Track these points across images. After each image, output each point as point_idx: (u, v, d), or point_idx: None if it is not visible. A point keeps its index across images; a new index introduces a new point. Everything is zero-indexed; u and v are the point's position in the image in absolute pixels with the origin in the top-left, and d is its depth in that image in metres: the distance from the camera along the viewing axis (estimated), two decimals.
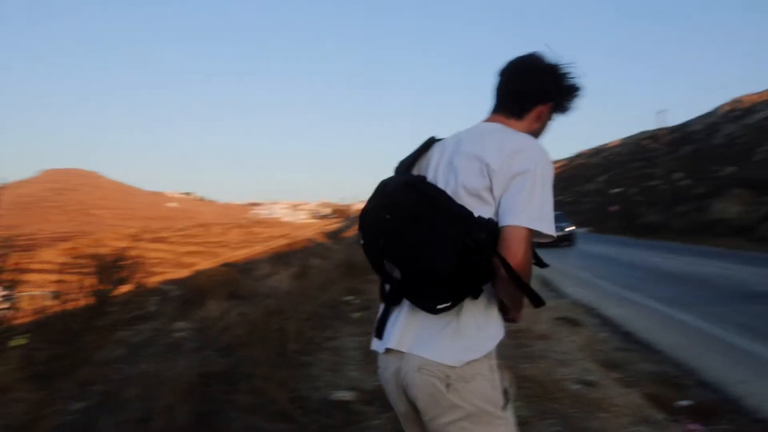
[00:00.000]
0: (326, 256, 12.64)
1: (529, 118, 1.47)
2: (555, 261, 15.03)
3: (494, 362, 1.34)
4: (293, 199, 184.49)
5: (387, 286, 1.42)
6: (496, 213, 1.31)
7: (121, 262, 4.51)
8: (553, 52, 1.47)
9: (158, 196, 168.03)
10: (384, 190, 1.36)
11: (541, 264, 1.44)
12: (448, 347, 1.28)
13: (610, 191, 60.77)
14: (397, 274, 1.30)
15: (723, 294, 9.36)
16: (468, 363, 1.27)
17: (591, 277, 12.31)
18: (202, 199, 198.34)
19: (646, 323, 7.12)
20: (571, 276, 12.52)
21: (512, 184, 1.30)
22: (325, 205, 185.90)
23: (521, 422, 3.16)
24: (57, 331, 3.89)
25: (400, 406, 1.42)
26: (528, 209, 1.27)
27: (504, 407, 1.34)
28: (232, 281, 9.99)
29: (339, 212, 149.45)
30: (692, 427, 3.73)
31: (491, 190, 1.31)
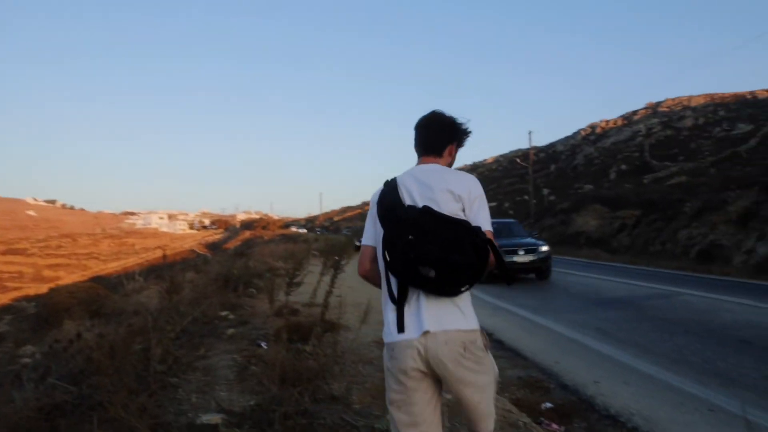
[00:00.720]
0: (202, 269, 12.01)
1: (445, 154, 2.17)
2: None
3: (481, 332, 2.00)
4: (171, 209, 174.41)
5: (395, 290, 1.93)
6: None
7: None
8: (448, 107, 2.01)
9: (15, 203, 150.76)
10: (400, 218, 1.91)
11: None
12: (460, 322, 1.91)
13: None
14: (432, 274, 1.81)
15: (583, 301, 10.21)
16: (473, 331, 1.94)
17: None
18: (68, 208, 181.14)
19: (516, 331, 7.54)
20: None
21: (474, 204, 2.00)
22: (205, 215, 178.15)
23: None
24: None
25: (415, 381, 1.91)
26: (487, 220, 2.01)
27: (487, 351, 2.02)
28: (96, 298, 9.13)
29: (220, 223, 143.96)
30: (552, 428, 3.97)
31: (463, 210, 1.97)
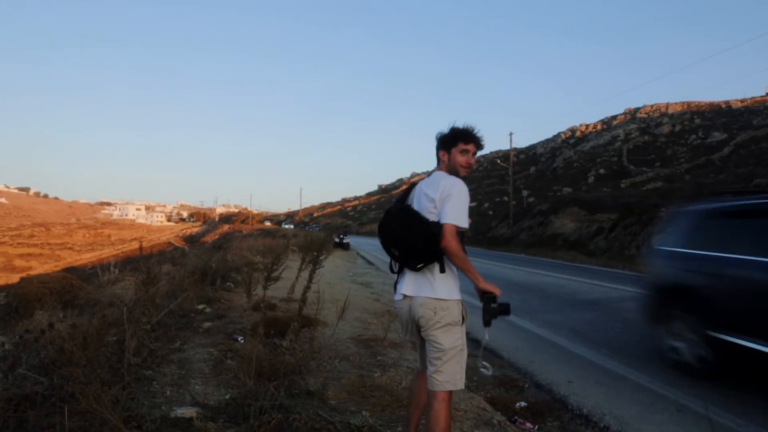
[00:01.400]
0: (179, 261, 11.87)
1: (441, 161, 2.79)
2: None
3: (458, 304, 2.66)
4: (149, 200, 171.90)
5: (396, 264, 2.75)
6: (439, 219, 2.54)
7: None
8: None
9: None
10: (390, 212, 2.76)
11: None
12: (428, 291, 2.59)
13: None
14: (397, 253, 2.63)
15: (558, 302, 10.34)
16: (444, 300, 2.59)
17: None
18: (42, 196, 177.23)
19: (492, 331, 7.59)
20: None
21: (443, 202, 2.55)
22: (184, 207, 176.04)
23: None
24: None
25: (408, 325, 2.74)
26: (450, 213, 2.52)
27: (461, 324, 2.67)
28: (69, 288, 8.95)
29: (198, 216, 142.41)
30: (526, 426, 4.03)
31: (438, 206, 2.56)
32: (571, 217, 34.05)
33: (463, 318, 2.66)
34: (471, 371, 5.63)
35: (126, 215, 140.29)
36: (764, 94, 73.33)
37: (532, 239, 35.23)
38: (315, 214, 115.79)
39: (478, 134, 2.75)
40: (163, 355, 4.54)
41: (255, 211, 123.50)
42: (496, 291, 2.67)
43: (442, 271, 2.59)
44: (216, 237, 58.04)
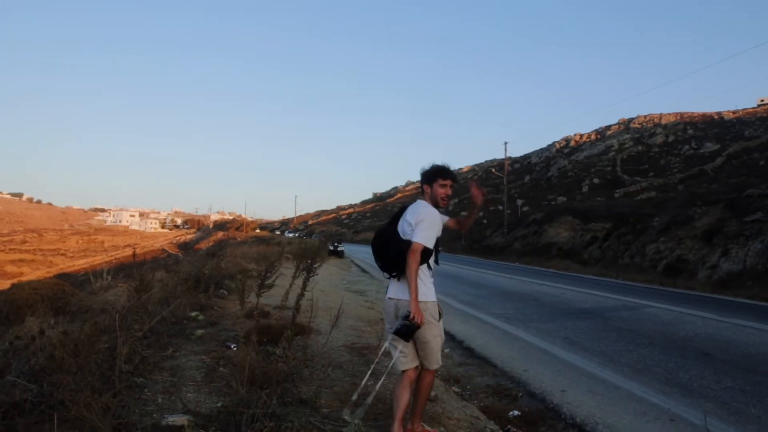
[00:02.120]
0: (173, 268, 11.82)
1: (425, 193, 3.39)
2: None
3: (434, 304, 3.24)
4: (143, 207, 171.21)
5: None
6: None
7: None
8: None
9: None
10: (378, 231, 3.41)
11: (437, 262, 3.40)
12: (405, 295, 3.12)
13: (461, 213, 64.81)
14: (379, 264, 3.30)
15: (552, 311, 10.35)
16: (423, 303, 3.12)
17: (438, 294, 12.91)
18: (35, 202, 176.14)
19: (486, 339, 7.61)
20: None
21: (416, 226, 3.17)
22: (178, 214, 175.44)
23: None
24: None
25: (394, 322, 3.19)
26: (419, 234, 3.14)
27: (438, 320, 3.25)
28: (61, 295, 8.87)
29: (192, 223, 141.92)
30: None
31: (413, 229, 3.17)
32: (566, 226, 34.12)
33: (440, 315, 3.28)
34: (465, 379, 5.62)
35: (120, 222, 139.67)
36: (756, 105, 74.04)
37: (527, 248, 35.27)
38: (310, 222, 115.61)
39: (453, 171, 3.47)
40: (155, 362, 4.51)
41: (249, 219, 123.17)
42: (419, 317, 3.05)
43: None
44: (210, 244, 57.80)
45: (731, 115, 69.23)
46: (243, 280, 8.03)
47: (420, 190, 3.46)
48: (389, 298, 3.29)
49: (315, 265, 6.05)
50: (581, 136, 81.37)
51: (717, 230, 21.02)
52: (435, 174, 3.35)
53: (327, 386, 4.29)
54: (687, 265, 21.04)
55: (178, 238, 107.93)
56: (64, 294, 9.21)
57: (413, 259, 3.06)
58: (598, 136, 77.19)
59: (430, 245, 3.16)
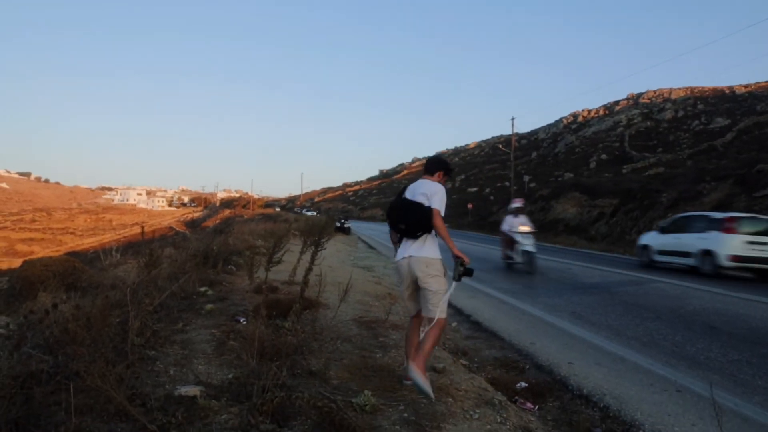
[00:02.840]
0: (181, 245, 11.90)
1: (436, 175, 4.08)
2: None
3: (441, 261, 3.89)
4: (149, 185, 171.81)
5: (398, 235, 4.00)
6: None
7: None
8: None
9: None
10: (396, 203, 4.00)
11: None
12: (425, 252, 3.81)
13: (468, 190, 64.72)
14: (403, 226, 3.88)
15: (560, 286, 10.38)
16: (432, 258, 3.83)
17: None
18: (43, 181, 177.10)
19: (493, 313, 7.65)
20: None
21: (432, 197, 3.82)
22: (185, 192, 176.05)
23: (371, 411, 3.19)
24: None
25: (407, 280, 3.88)
26: (438, 203, 3.81)
27: (444, 274, 3.88)
28: (72, 271, 8.97)
29: (199, 201, 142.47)
30: (527, 406, 4.06)
31: (428, 199, 3.81)
32: (573, 202, 34.01)
33: (444, 270, 3.90)
34: (472, 352, 5.67)
35: (127, 200, 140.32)
36: None
37: (534, 224, 35.23)
38: (316, 199, 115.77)
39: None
40: (166, 335, 4.57)
41: (256, 196, 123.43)
42: (465, 259, 3.90)
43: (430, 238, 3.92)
44: (217, 222, 58.13)
45: (743, 90, 68.13)
46: (251, 256, 8.09)
47: (427, 170, 4.15)
48: (402, 258, 3.88)
49: (323, 240, 6.07)
50: (589, 111, 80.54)
51: (726, 206, 20.89)
52: (450, 170, 4.24)
53: (336, 359, 4.34)
54: None
55: (185, 216, 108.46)
56: (75, 270, 9.32)
57: (440, 220, 3.78)
58: (607, 112, 76.39)
59: (443, 212, 3.85)
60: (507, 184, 51.11)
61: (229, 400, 3.19)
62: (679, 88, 75.25)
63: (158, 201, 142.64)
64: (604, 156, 53.21)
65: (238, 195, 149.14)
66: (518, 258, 12.91)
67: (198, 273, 7.36)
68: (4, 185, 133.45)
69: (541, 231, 31.82)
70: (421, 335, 3.81)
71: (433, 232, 3.86)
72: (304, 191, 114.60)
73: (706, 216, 13.87)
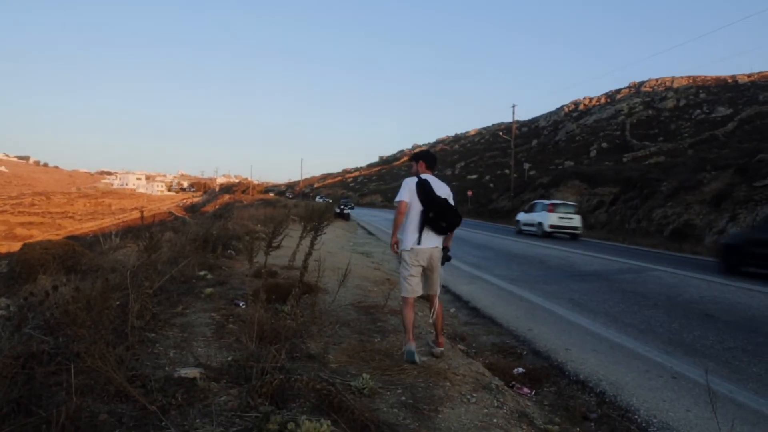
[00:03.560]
0: (180, 230, 11.91)
1: (420, 168, 4.50)
2: None
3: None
4: (149, 170, 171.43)
5: (420, 227, 4.25)
6: None
7: None
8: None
9: None
10: (443, 203, 4.28)
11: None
12: (440, 243, 4.35)
13: (468, 177, 64.62)
14: (444, 225, 4.27)
15: (558, 273, 10.41)
16: (441, 248, 4.37)
17: None
18: (41, 165, 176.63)
19: (492, 299, 7.68)
20: None
21: (451, 198, 4.41)
22: (184, 177, 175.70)
23: (369, 394, 3.22)
24: None
25: (423, 265, 4.28)
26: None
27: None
28: (71, 254, 8.98)
29: (199, 186, 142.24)
30: (523, 391, 4.10)
31: (451, 201, 4.39)
32: (573, 190, 33.99)
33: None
34: (471, 338, 5.70)
35: (126, 185, 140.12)
36: None
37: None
38: (316, 185, 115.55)
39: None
40: (165, 318, 4.60)
41: (255, 182, 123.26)
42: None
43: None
44: (216, 207, 58.06)
45: (746, 79, 67.75)
46: (251, 240, 8.10)
47: (431, 165, 4.55)
48: (428, 246, 4.27)
49: (322, 225, 6.08)
50: (590, 99, 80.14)
51: (726, 195, 20.88)
52: (433, 161, 4.63)
53: (335, 343, 4.37)
54: (694, 230, 21.00)
55: (184, 201, 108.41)
56: (75, 253, 9.32)
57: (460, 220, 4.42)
58: (608, 100, 76.02)
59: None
60: (507, 171, 51.00)
61: (228, 382, 3.22)
62: (682, 77, 74.80)
63: (158, 186, 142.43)
64: (604, 144, 53.07)
65: (237, 180, 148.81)
66: None
67: (197, 257, 7.38)
68: (2, 169, 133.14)
69: None
70: (432, 316, 4.45)
71: None
72: (304, 177, 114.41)
73: (542, 203, 22.95)
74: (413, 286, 4.26)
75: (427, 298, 4.45)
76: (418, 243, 4.20)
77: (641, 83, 78.93)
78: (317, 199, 67.44)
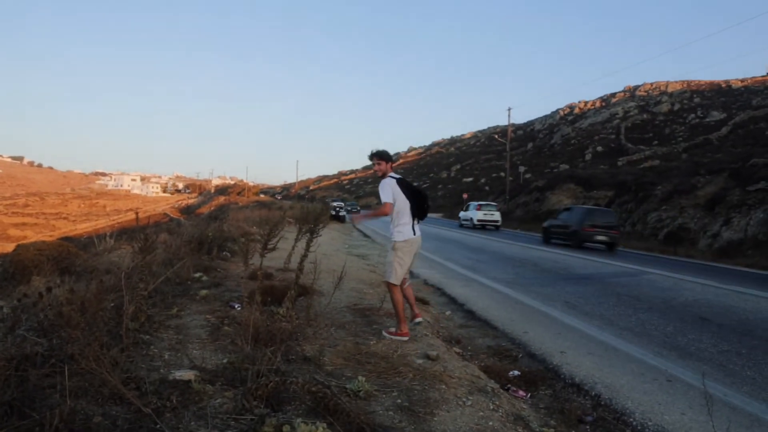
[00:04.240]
0: (175, 231, 11.86)
1: (387, 166, 5.03)
2: None
3: None
4: (144, 171, 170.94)
5: (412, 217, 4.93)
6: None
7: None
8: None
9: None
10: (419, 190, 5.08)
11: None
12: (420, 234, 5.03)
13: (463, 180, 64.70)
14: (426, 212, 5.08)
15: (553, 276, 10.43)
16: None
17: (441, 259, 12.99)
18: (36, 165, 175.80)
19: (487, 302, 7.68)
20: (422, 258, 13.12)
21: None
22: (179, 179, 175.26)
23: (365, 397, 3.21)
24: None
25: (416, 252, 5.00)
26: None
27: None
28: (66, 256, 8.93)
29: (194, 187, 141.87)
30: (519, 394, 4.10)
31: None
32: (568, 193, 34.09)
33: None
34: (466, 341, 5.70)
35: (121, 186, 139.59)
36: (765, 74, 72.77)
37: (528, 215, 35.32)
38: (311, 187, 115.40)
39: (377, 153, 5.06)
40: (160, 320, 4.58)
41: (251, 183, 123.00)
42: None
43: None
44: (212, 208, 57.94)
45: (739, 84, 68.21)
46: (246, 242, 8.07)
47: (385, 165, 4.96)
48: (419, 236, 4.93)
49: (318, 227, 6.07)
50: (586, 103, 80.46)
51: (720, 199, 20.99)
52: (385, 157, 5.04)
53: (330, 345, 4.36)
54: (688, 234, 21.09)
55: (179, 202, 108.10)
56: (69, 255, 9.28)
57: None
58: (603, 104, 76.33)
59: None
60: (503, 174, 51.11)
61: (223, 384, 3.21)
62: (676, 82, 75.25)
63: (153, 187, 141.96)
64: (599, 148, 53.28)
65: (233, 182, 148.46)
66: None
67: (193, 259, 7.35)
68: None
69: (536, 222, 31.94)
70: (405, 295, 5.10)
71: None
72: (299, 179, 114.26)
73: (473, 203, 31.76)
74: (403, 274, 4.85)
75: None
76: (414, 234, 4.84)
77: (636, 87, 79.33)
78: (332, 203, 65.60)
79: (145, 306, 4.59)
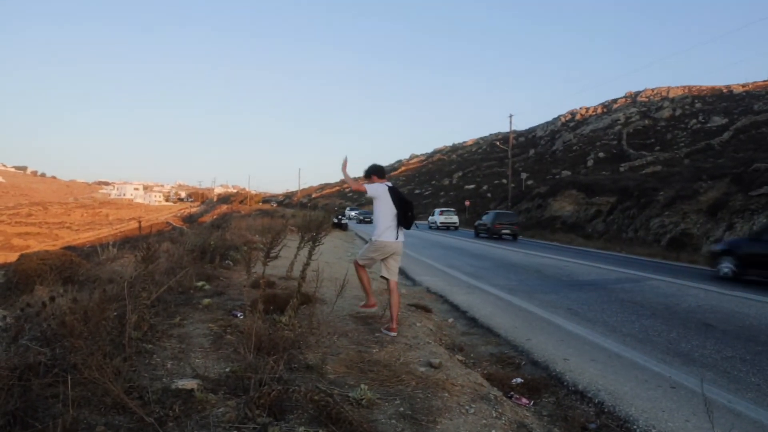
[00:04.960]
0: (178, 240, 11.89)
1: (378, 180, 5.60)
2: (409, 251, 15.62)
3: None
4: (146, 180, 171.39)
5: (397, 224, 5.41)
6: None
7: None
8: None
9: None
10: (407, 201, 5.49)
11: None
12: (402, 239, 5.53)
13: (465, 187, 64.70)
14: (411, 221, 5.51)
15: (556, 283, 10.41)
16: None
17: (444, 267, 12.98)
18: (39, 175, 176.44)
19: (490, 309, 7.67)
20: (425, 265, 13.12)
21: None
22: (182, 188, 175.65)
23: (367, 405, 3.21)
24: None
25: (389, 254, 5.48)
26: None
27: None
28: (69, 265, 8.95)
29: (196, 196, 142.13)
30: (522, 402, 4.08)
31: None
32: (570, 200, 34.04)
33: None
34: (469, 348, 5.69)
35: (124, 195, 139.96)
36: (766, 78, 72.80)
37: (531, 222, 35.28)
38: (313, 195, 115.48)
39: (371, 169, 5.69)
40: (163, 329, 4.58)
41: (253, 192, 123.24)
42: None
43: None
44: (214, 217, 57.96)
45: (740, 89, 68.18)
46: (248, 251, 8.08)
47: (377, 178, 5.53)
48: (401, 241, 5.46)
49: (320, 236, 6.08)
50: (587, 109, 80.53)
51: (722, 204, 20.95)
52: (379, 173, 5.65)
53: (333, 353, 4.36)
54: (691, 239, 21.05)
55: (182, 211, 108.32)
56: (72, 264, 9.29)
57: None
58: (605, 110, 76.37)
59: None
60: (504, 181, 51.10)
61: (226, 393, 3.21)
62: (677, 87, 75.26)
63: (155, 196, 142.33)
64: (601, 154, 53.25)
65: (235, 190, 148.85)
66: None
67: (195, 268, 7.36)
68: (0, 179, 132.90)
69: (538, 228, 31.92)
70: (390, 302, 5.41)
71: None
72: (301, 187, 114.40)
73: (437, 210, 38.38)
74: (369, 261, 5.60)
75: (387, 286, 5.54)
76: (395, 238, 5.36)
77: (637, 93, 79.37)
78: (347, 211, 63.55)
79: (147, 315, 4.60)
